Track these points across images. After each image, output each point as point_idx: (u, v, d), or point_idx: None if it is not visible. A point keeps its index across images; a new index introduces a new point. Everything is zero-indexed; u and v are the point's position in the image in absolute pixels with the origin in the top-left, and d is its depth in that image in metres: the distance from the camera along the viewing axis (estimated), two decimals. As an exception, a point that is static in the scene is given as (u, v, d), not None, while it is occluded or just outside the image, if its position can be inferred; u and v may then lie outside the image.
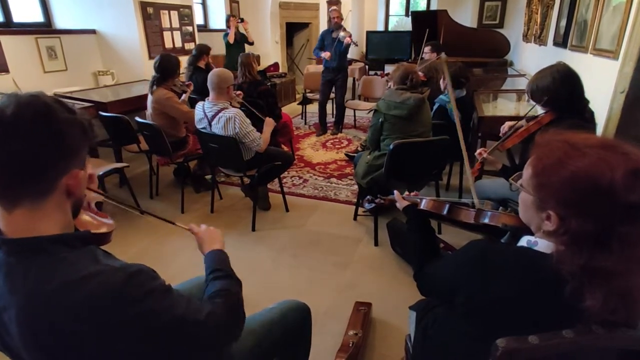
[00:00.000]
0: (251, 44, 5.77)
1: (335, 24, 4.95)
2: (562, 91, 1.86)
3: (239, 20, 5.55)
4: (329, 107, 5.43)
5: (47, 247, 0.73)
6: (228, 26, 5.55)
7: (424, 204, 1.34)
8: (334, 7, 5.15)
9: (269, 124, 3.00)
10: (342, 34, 4.84)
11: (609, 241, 0.74)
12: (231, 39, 5.46)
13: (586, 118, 1.96)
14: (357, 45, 5.10)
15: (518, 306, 0.81)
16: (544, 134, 0.87)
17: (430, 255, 1.23)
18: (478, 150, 2.12)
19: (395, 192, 1.44)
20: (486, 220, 1.19)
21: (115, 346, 0.72)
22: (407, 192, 1.45)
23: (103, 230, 0.96)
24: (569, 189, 0.77)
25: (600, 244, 0.74)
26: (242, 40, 5.66)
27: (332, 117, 5.49)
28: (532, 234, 0.91)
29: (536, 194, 0.84)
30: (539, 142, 0.86)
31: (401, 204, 1.39)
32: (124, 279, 0.72)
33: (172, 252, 2.68)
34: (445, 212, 1.29)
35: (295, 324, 1.33)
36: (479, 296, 0.86)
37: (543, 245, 0.85)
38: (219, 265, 1.06)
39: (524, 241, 0.90)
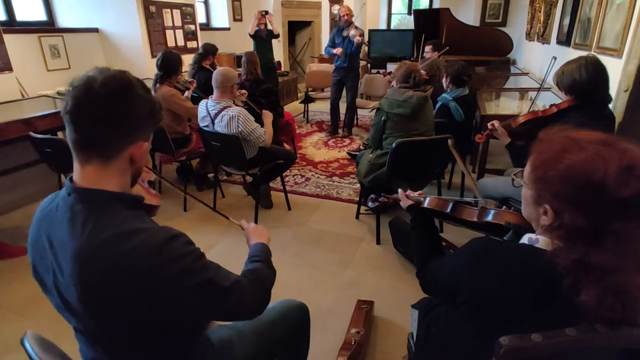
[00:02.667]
0: (277, 36, 5.64)
1: (346, 21, 4.76)
2: (586, 81, 1.88)
3: (264, 13, 5.44)
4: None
5: (108, 201, 0.83)
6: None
7: (427, 203, 1.34)
8: (339, 6, 4.95)
9: (267, 115, 3.00)
10: (352, 32, 4.65)
11: (602, 237, 0.74)
12: (252, 31, 5.35)
13: (605, 114, 1.98)
14: (367, 45, 4.86)
15: (520, 304, 0.81)
16: (546, 130, 0.87)
17: (433, 253, 1.23)
18: (491, 122, 2.16)
19: (400, 190, 1.44)
20: (489, 219, 1.19)
21: (149, 297, 0.79)
22: (409, 191, 1.45)
23: (152, 202, 1.07)
24: (564, 183, 0.77)
25: (594, 240, 0.74)
26: (268, 35, 5.54)
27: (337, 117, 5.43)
28: (534, 231, 0.91)
29: (534, 188, 0.85)
30: (541, 137, 0.87)
31: (405, 202, 1.40)
32: (165, 238, 0.81)
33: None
34: (448, 210, 1.29)
35: (296, 322, 1.34)
36: (481, 294, 0.86)
37: (544, 242, 0.85)
38: (259, 253, 1.15)
39: (525, 239, 0.91)
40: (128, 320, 0.82)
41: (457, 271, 0.96)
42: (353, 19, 4.82)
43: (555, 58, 2.56)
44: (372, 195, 1.58)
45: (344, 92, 5.15)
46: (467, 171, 1.83)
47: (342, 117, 5.33)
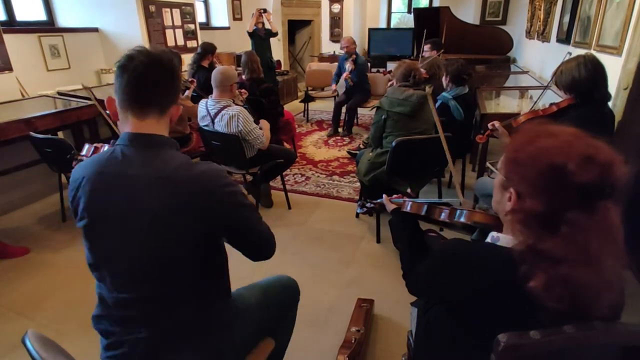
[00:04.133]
0: (275, 34, 5.63)
1: (347, 52, 5.02)
2: (585, 79, 1.89)
3: (262, 11, 5.40)
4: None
5: (167, 144, 1.05)
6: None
7: (408, 207, 1.36)
8: (345, 36, 5.26)
9: (265, 125, 2.99)
10: (347, 65, 4.96)
11: (557, 225, 0.75)
12: (250, 28, 5.33)
13: (605, 112, 1.98)
14: (352, 84, 5.09)
15: (489, 301, 0.82)
16: (526, 122, 0.89)
17: (418, 255, 1.25)
18: (492, 122, 2.18)
19: (384, 195, 1.47)
20: (461, 219, 1.20)
21: (212, 211, 0.99)
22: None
23: None
24: (530, 165, 0.79)
25: (549, 227, 0.75)
26: (266, 34, 5.52)
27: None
28: (500, 231, 0.93)
29: (504, 170, 0.87)
30: (519, 128, 0.89)
31: (389, 207, 1.43)
32: (223, 169, 1.06)
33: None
34: (423, 212, 1.30)
35: (291, 286, 1.49)
36: (457, 294, 0.88)
37: (504, 240, 0.88)
38: None
39: (489, 237, 0.93)
40: (186, 242, 0.98)
41: (433, 275, 0.99)
42: (354, 49, 5.06)
43: (570, 53, 2.53)
44: (359, 202, 1.63)
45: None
46: (443, 140, 1.81)
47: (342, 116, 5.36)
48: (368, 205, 1.57)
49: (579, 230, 0.74)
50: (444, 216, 1.26)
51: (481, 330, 0.80)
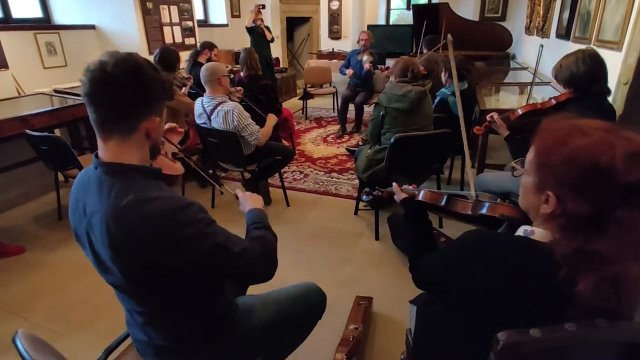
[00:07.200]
0: (272, 41, 5.64)
1: (363, 45, 5.05)
2: (583, 73, 1.88)
3: (261, 8, 5.37)
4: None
5: (129, 172, 0.93)
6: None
7: (421, 196, 1.32)
8: (364, 30, 5.23)
9: (272, 118, 2.98)
10: (365, 57, 4.97)
11: (604, 225, 0.72)
12: (249, 23, 5.32)
13: (604, 106, 1.96)
14: (374, 73, 5.12)
15: (514, 297, 0.79)
16: (549, 118, 0.86)
17: (426, 247, 1.22)
18: (490, 114, 2.16)
19: (394, 184, 1.42)
20: (484, 211, 1.17)
21: (165, 258, 0.89)
22: (406, 185, 1.44)
23: (172, 172, 1.18)
24: (568, 167, 0.76)
25: (596, 227, 0.73)
26: (264, 32, 5.53)
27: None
28: (529, 224, 0.89)
29: (537, 174, 0.83)
30: (544, 126, 0.85)
31: (399, 196, 1.38)
32: (179, 205, 0.91)
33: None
34: (443, 203, 1.27)
35: (313, 304, 1.41)
36: (473, 286, 0.85)
37: (539, 234, 0.84)
38: (259, 219, 1.24)
39: (520, 231, 0.89)
40: (150, 277, 0.92)
41: (449, 265, 0.95)
42: (369, 44, 5.11)
43: (542, 46, 2.55)
44: (366, 189, 1.57)
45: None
46: (464, 134, 1.80)
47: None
48: (375, 193, 1.52)
49: (629, 228, 0.71)
50: (467, 207, 1.22)
51: (486, 328, 0.77)
